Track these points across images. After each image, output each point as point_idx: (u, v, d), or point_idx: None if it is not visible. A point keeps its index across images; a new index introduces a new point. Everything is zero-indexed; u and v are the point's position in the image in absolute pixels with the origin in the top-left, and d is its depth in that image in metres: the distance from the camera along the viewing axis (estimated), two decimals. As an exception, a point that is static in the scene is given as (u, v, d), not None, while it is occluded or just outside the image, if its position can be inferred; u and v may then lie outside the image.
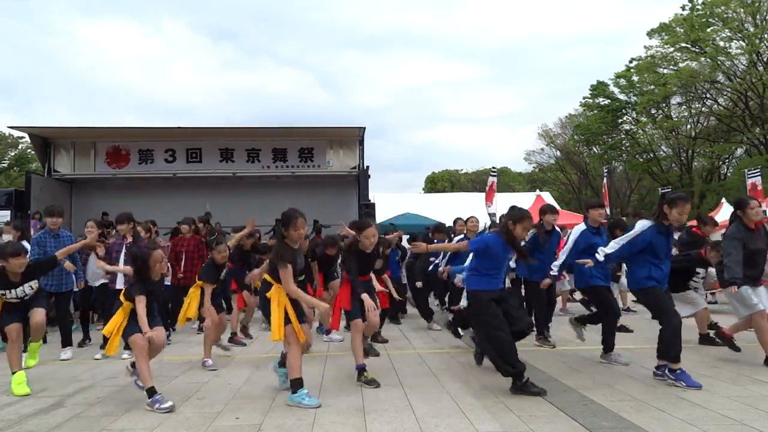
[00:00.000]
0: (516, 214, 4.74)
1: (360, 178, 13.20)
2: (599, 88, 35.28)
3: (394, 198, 21.10)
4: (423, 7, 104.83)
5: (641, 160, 35.38)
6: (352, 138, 13.74)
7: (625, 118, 35.93)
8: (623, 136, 36.53)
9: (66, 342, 6.44)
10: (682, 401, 4.21)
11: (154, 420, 3.96)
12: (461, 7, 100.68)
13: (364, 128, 13.31)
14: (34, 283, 5.06)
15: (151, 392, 4.22)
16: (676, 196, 5.02)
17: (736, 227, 5.49)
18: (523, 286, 6.86)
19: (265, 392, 4.65)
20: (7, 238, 7.00)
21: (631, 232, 5.00)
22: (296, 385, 4.25)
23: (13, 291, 4.93)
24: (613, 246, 5.03)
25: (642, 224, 4.95)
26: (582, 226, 5.99)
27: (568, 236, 6.13)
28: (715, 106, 31.78)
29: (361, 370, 4.89)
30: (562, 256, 6.05)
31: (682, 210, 4.81)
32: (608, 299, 5.68)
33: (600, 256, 5.08)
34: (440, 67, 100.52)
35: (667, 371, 4.72)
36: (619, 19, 69.67)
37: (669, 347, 4.71)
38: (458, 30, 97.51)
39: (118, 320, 4.52)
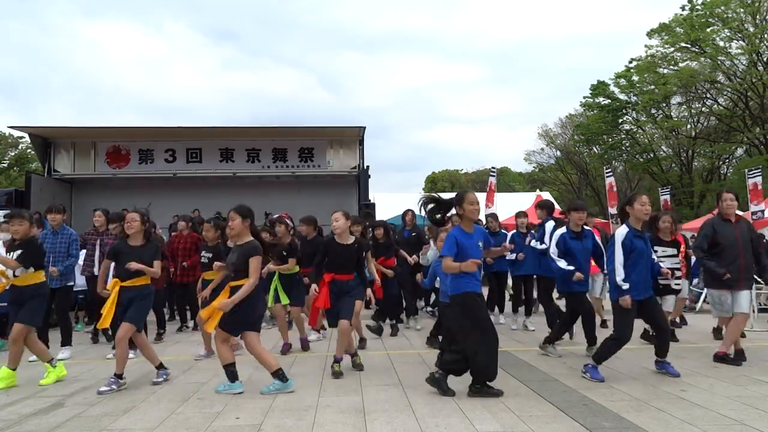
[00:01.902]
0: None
1: (360, 178, 13.19)
2: (599, 88, 35.22)
3: (395, 198, 21.08)
4: (422, 9, 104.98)
5: (641, 160, 35.34)
6: (353, 138, 13.73)
7: (625, 118, 35.86)
8: (623, 135, 36.48)
9: (65, 341, 6.44)
10: (682, 401, 4.22)
11: (154, 420, 3.96)
12: (460, 8, 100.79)
13: (364, 128, 13.30)
14: (17, 254, 5.06)
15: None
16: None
17: (713, 218, 5.93)
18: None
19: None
20: (4, 237, 7.00)
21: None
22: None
23: (9, 254, 5.11)
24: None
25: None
26: (563, 230, 5.98)
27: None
28: (715, 106, 31.76)
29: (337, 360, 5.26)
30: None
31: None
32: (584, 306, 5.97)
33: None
34: (440, 68, 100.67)
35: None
36: (618, 20, 69.67)
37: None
38: (457, 31, 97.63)
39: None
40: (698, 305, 9.75)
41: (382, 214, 15.41)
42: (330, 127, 13.89)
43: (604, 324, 7.85)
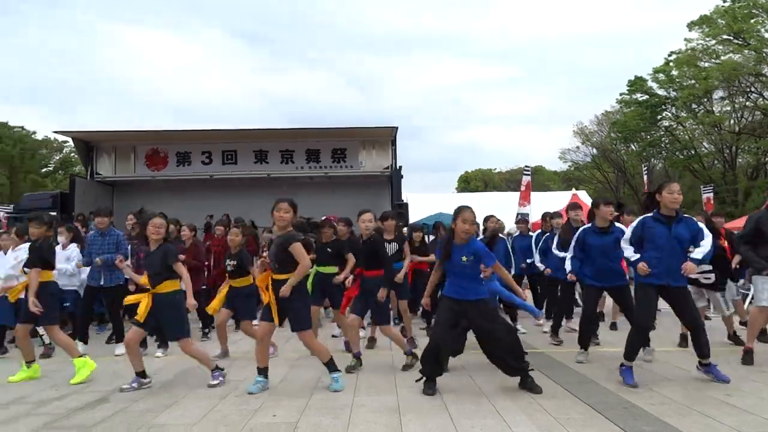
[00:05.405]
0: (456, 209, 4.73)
1: (393, 179, 13.19)
2: (637, 84, 34.38)
3: (428, 198, 21.02)
4: (453, 8, 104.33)
5: (681, 157, 34.35)
6: (385, 138, 13.74)
7: (664, 114, 34.91)
8: (662, 132, 35.51)
9: (119, 338, 6.67)
10: (728, 406, 4.08)
11: (194, 416, 4.05)
12: (492, 6, 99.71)
13: (397, 128, 13.31)
14: (22, 254, 5.48)
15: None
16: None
17: (758, 212, 5.86)
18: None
19: (301, 391, 4.71)
20: (60, 239, 7.31)
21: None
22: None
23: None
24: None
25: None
26: (587, 225, 5.97)
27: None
28: (760, 100, 30.56)
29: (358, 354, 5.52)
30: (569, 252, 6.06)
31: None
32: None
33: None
34: (472, 68, 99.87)
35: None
36: (655, 16, 67.51)
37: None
38: (489, 30, 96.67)
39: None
40: (746, 305, 9.40)
41: (414, 214, 15.40)
42: (362, 128, 13.92)
43: (613, 326, 7.80)
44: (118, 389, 4.86)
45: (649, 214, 4.95)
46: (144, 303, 4.88)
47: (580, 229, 5.88)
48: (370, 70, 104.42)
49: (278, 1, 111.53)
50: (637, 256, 4.82)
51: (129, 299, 5.21)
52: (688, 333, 5.06)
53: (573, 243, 5.86)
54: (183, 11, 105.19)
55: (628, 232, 5.02)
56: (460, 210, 4.63)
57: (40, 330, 6.39)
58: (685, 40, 31.45)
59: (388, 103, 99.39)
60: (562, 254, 6.59)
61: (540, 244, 7.94)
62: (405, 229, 9.17)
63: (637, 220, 5.00)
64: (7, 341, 6.89)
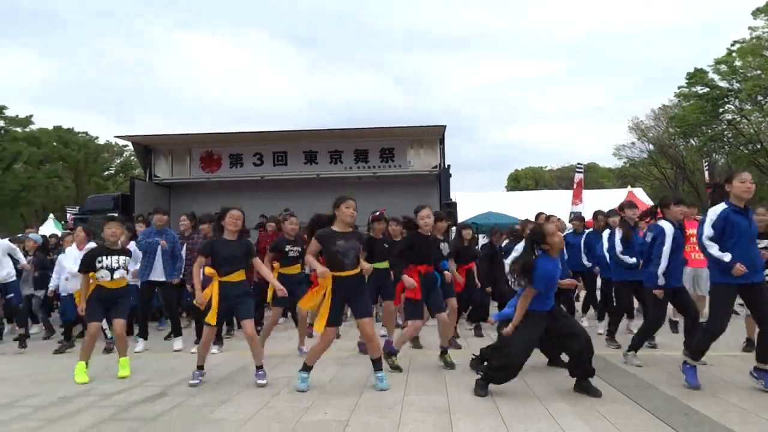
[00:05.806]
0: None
1: (441, 178, 13.10)
2: (697, 76, 32.78)
3: (477, 197, 20.82)
4: (501, 3, 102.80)
5: (746, 151, 32.56)
6: (433, 137, 13.66)
7: (726, 107, 33.19)
8: (725, 126, 33.77)
9: (177, 332, 6.94)
10: (801, 415, 3.83)
11: (248, 412, 4.15)
12: (540, 1, 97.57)
13: (445, 127, 13.21)
14: (126, 260, 5.61)
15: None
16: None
17: None
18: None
19: (351, 390, 4.74)
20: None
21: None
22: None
23: (108, 258, 5.49)
24: None
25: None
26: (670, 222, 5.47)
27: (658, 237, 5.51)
28: (834, 89, 28.67)
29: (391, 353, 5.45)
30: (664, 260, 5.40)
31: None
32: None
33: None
34: (521, 64, 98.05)
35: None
36: (714, 5, 64.20)
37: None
38: (537, 25, 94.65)
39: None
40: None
41: (464, 213, 15.26)
42: (410, 127, 13.88)
43: (674, 327, 7.35)
44: (176, 384, 5.04)
45: (725, 206, 4.54)
46: (214, 302, 4.95)
47: (670, 227, 5.31)
48: (418, 69, 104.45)
49: (325, 3, 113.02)
50: (729, 255, 4.41)
51: (206, 294, 5.07)
52: (755, 337, 4.78)
53: (669, 242, 5.23)
54: (231, 14, 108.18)
55: (707, 227, 4.56)
56: (544, 230, 4.52)
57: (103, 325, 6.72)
58: (750, 28, 29.82)
59: (437, 102, 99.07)
60: (628, 259, 6.37)
61: (606, 242, 7.42)
62: (453, 229, 9.09)
63: (717, 212, 4.55)
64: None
